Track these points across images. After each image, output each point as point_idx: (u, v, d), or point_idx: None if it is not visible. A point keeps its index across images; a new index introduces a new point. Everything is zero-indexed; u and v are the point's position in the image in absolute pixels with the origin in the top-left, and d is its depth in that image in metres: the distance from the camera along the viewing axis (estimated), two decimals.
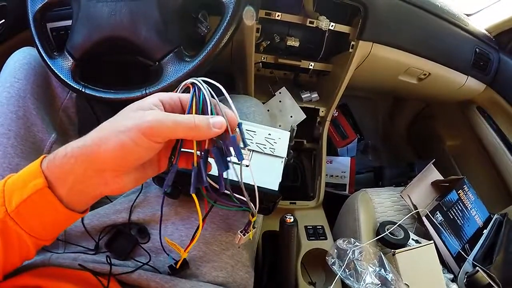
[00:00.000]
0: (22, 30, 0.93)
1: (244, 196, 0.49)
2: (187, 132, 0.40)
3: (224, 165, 0.42)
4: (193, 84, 0.44)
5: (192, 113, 0.42)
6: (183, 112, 0.44)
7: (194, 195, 0.43)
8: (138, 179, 0.44)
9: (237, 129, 0.44)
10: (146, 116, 0.39)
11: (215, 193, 0.46)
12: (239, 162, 0.43)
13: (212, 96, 0.43)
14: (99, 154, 0.39)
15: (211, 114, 0.42)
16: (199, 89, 0.43)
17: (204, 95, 0.42)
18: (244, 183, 0.62)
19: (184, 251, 0.58)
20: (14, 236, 0.42)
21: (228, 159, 0.43)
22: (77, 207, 0.44)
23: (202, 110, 0.43)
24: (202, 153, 0.43)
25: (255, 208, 0.53)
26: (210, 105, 0.42)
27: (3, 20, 0.89)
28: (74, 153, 0.40)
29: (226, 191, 0.47)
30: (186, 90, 0.46)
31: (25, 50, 0.80)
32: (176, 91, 0.46)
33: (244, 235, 0.65)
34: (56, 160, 0.41)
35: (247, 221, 0.64)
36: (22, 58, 0.77)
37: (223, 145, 0.43)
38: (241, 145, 0.43)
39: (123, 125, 0.38)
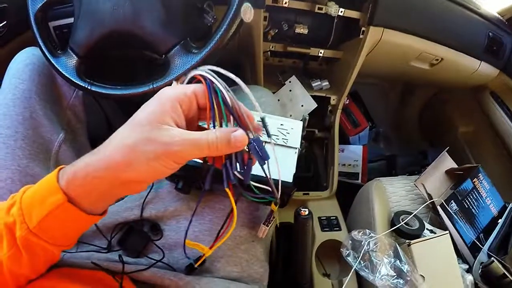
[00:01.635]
0: (25, 31, 0.92)
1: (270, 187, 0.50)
2: (211, 153, 0.40)
3: (261, 160, 0.42)
4: (204, 78, 0.42)
5: (216, 120, 0.41)
6: (199, 109, 0.43)
7: (228, 190, 0.44)
8: (158, 177, 0.43)
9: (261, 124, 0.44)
10: (173, 143, 0.38)
11: (241, 186, 0.46)
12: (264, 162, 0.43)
13: (228, 90, 0.41)
14: (128, 177, 0.39)
15: (232, 116, 0.41)
16: (213, 84, 0.41)
17: (223, 93, 0.41)
18: (258, 175, 0.61)
19: (210, 248, 0.57)
20: (39, 249, 0.43)
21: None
22: (99, 211, 0.45)
23: (225, 112, 0.42)
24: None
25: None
26: (231, 106, 0.41)
27: (5, 22, 0.87)
28: (98, 174, 0.39)
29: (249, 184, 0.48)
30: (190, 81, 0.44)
31: (28, 51, 0.79)
32: (183, 83, 0.44)
33: (267, 226, 0.64)
34: (77, 180, 0.40)
35: (269, 212, 0.63)
36: (25, 59, 0.76)
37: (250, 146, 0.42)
38: (266, 139, 0.44)
39: (153, 152, 0.38)
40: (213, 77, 0.41)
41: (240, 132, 0.40)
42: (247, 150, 0.42)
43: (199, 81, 0.42)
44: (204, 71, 0.42)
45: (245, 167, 0.43)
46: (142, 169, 0.38)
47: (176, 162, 0.39)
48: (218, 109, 0.41)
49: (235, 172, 0.42)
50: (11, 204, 0.43)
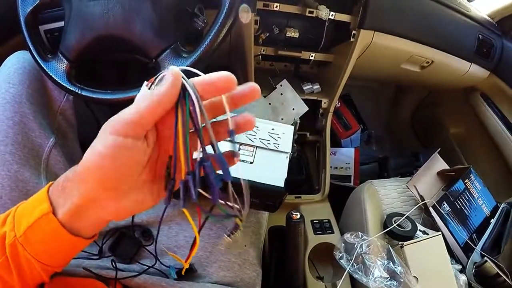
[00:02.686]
0: (15, 34, 0.91)
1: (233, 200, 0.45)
2: (153, 106, 0.35)
3: (215, 183, 0.37)
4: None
5: (178, 123, 0.36)
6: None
7: (185, 210, 0.39)
8: (139, 201, 0.40)
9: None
10: (117, 118, 0.35)
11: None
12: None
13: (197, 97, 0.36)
14: (87, 170, 0.37)
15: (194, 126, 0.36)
16: (186, 92, 0.36)
17: (194, 102, 0.36)
18: (248, 180, 0.61)
19: (185, 262, 0.55)
20: (24, 261, 0.42)
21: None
22: (81, 232, 0.42)
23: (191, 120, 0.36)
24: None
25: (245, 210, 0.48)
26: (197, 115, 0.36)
27: None
28: (69, 176, 0.39)
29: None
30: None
31: (18, 55, 0.78)
32: (154, 83, 0.39)
33: (229, 237, 0.63)
34: (57, 187, 0.40)
35: (234, 226, 0.62)
36: (16, 63, 0.75)
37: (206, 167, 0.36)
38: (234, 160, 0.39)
39: (104, 130, 0.36)
40: (185, 80, 0.36)
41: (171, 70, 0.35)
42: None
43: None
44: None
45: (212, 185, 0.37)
46: (98, 148, 0.36)
47: (128, 135, 0.35)
48: (182, 119, 0.36)
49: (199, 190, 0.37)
50: (7, 214, 0.43)
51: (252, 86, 0.37)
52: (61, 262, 0.46)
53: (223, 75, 0.36)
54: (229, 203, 0.42)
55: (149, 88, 0.38)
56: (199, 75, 0.37)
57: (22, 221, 0.41)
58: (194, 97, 0.35)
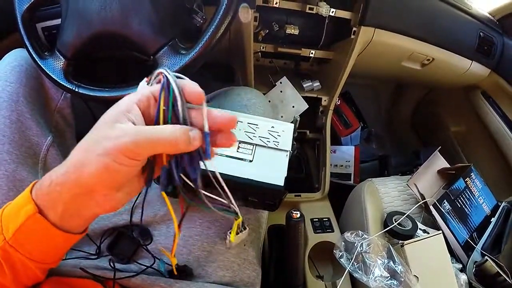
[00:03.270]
0: (12, 32, 0.90)
1: (226, 198, 0.46)
2: (167, 148, 0.37)
3: (194, 171, 0.39)
4: (163, 74, 0.40)
5: (160, 114, 0.39)
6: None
7: (164, 194, 0.41)
8: (130, 192, 0.41)
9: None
10: (125, 136, 0.36)
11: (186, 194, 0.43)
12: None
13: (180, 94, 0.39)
14: (84, 179, 0.37)
15: (183, 116, 0.39)
16: (168, 83, 0.39)
17: (174, 91, 0.38)
18: (247, 179, 0.60)
19: (172, 256, 0.54)
20: (17, 261, 0.42)
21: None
22: (73, 229, 0.42)
23: (172, 112, 0.39)
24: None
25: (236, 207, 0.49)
26: (182, 107, 0.39)
27: None
28: (59, 180, 0.38)
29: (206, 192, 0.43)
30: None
31: (15, 52, 0.77)
32: (150, 80, 0.42)
33: (229, 236, 0.63)
34: (43, 188, 0.40)
35: (231, 224, 0.62)
36: (12, 61, 0.74)
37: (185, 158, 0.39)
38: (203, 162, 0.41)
39: (102, 147, 0.36)
40: (172, 77, 0.39)
41: (196, 131, 0.38)
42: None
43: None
44: (165, 70, 0.40)
45: (195, 169, 0.40)
46: (94, 167, 0.36)
47: (130, 157, 0.36)
48: (165, 105, 0.39)
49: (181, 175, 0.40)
50: None
51: (232, 117, 0.40)
52: (55, 258, 0.46)
53: (196, 91, 0.39)
54: (213, 196, 0.44)
55: (148, 83, 0.41)
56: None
57: (9, 224, 0.41)
58: (176, 90, 0.38)
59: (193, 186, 0.40)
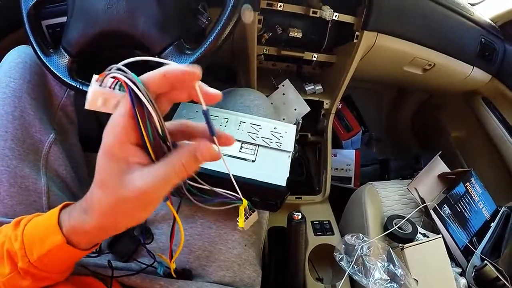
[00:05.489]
0: (17, 28, 0.90)
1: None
2: (181, 179, 0.37)
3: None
4: (126, 83, 0.35)
5: (145, 137, 0.36)
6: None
7: (169, 204, 0.43)
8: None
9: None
10: (145, 187, 0.36)
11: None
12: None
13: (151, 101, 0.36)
14: (119, 230, 0.41)
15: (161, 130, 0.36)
16: (134, 93, 0.35)
17: (146, 106, 0.35)
18: (249, 179, 0.60)
19: (170, 261, 0.55)
20: (40, 276, 0.45)
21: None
22: (91, 247, 0.47)
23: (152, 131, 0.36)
24: None
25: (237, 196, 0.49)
26: (160, 123, 0.36)
27: None
28: (94, 232, 0.41)
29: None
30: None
31: (20, 49, 0.77)
32: (102, 83, 0.37)
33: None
34: (77, 234, 0.43)
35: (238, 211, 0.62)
36: (17, 57, 0.74)
37: None
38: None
39: (130, 208, 0.37)
40: (133, 82, 0.35)
41: (203, 145, 0.36)
42: None
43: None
44: (119, 70, 0.36)
45: None
46: (129, 223, 0.40)
47: (155, 202, 0.38)
48: (143, 124, 0.36)
49: None
50: (15, 235, 0.45)
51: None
52: (73, 266, 0.50)
53: (181, 69, 0.35)
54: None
55: (100, 85, 0.37)
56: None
57: (33, 248, 0.43)
58: (149, 106, 0.35)
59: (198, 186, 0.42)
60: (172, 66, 0.36)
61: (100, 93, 0.37)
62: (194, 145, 0.36)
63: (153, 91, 0.36)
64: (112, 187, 0.37)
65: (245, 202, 0.52)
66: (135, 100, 0.35)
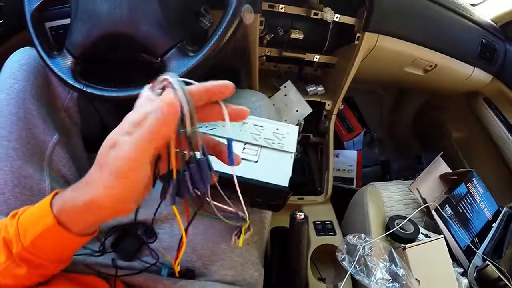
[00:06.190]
0: (21, 30, 0.91)
1: (231, 209, 0.49)
2: (155, 137, 0.37)
3: (203, 184, 0.41)
4: (166, 80, 0.39)
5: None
6: None
7: (174, 208, 0.43)
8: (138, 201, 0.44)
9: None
10: (119, 153, 0.37)
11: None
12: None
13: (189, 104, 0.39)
14: (101, 212, 0.41)
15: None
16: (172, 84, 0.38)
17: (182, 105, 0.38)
18: (252, 179, 0.61)
19: (174, 263, 0.56)
20: (35, 264, 0.46)
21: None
22: (89, 233, 0.47)
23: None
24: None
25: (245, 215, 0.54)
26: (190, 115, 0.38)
27: (1, 21, 0.86)
28: (85, 209, 0.41)
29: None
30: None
31: (23, 51, 0.78)
32: (153, 88, 0.42)
33: (238, 237, 0.64)
34: (66, 210, 0.43)
35: (239, 228, 0.63)
36: (21, 59, 0.75)
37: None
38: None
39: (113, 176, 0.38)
40: (179, 85, 0.38)
41: (166, 94, 0.37)
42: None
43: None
44: (172, 77, 0.39)
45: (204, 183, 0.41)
46: (115, 191, 0.39)
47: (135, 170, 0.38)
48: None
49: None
50: (11, 223, 0.46)
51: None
52: (69, 256, 0.50)
53: (220, 83, 0.40)
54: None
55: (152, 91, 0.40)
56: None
57: (27, 232, 0.44)
58: (186, 107, 0.37)
59: (202, 198, 0.42)
60: (208, 82, 0.40)
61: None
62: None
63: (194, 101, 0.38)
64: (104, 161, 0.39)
65: (248, 223, 0.55)
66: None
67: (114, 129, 0.39)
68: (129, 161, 0.37)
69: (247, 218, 0.56)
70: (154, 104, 0.37)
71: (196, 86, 0.40)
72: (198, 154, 0.40)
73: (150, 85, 0.42)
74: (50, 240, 0.44)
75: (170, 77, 0.38)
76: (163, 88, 0.40)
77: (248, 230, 0.65)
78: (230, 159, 0.40)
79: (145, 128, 0.36)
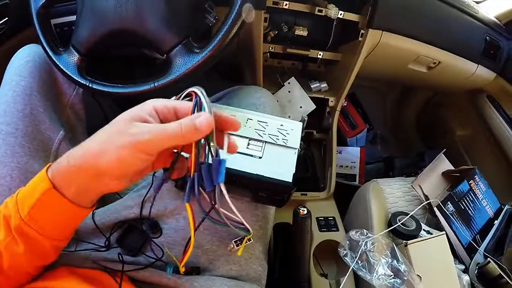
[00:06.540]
0: (26, 27, 0.92)
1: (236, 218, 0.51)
2: (178, 141, 0.41)
3: (210, 184, 0.42)
4: (195, 93, 0.43)
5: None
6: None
7: (187, 205, 0.43)
8: (134, 179, 0.46)
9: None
10: (142, 134, 0.40)
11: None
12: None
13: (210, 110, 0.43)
14: (100, 165, 0.41)
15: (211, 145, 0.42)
16: (200, 100, 0.43)
17: (205, 108, 0.42)
18: (256, 174, 0.62)
19: (180, 264, 0.57)
20: (33, 240, 0.46)
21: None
22: (83, 203, 0.47)
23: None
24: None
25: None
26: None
27: (6, 18, 0.87)
28: (76, 162, 0.43)
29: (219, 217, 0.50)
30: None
31: (29, 47, 0.78)
32: (179, 98, 0.47)
33: (238, 246, 0.65)
34: (60, 168, 0.44)
35: (242, 237, 0.64)
36: (26, 56, 0.76)
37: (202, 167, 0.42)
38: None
39: (121, 141, 0.40)
40: (203, 95, 0.43)
41: (204, 116, 0.41)
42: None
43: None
44: (198, 88, 0.44)
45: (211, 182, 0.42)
46: (112, 158, 0.40)
47: (144, 152, 0.41)
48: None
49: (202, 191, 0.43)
50: (11, 199, 0.47)
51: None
52: (66, 233, 0.51)
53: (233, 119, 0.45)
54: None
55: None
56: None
57: (25, 202, 0.45)
58: (206, 104, 0.42)
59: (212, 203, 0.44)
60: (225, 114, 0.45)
61: None
62: (195, 115, 0.41)
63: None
64: (119, 123, 0.42)
65: (251, 234, 0.58)
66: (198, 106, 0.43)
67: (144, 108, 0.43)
68: (146, 142, 0.40)
69: (250, 229, 0.59)
70: (191, 117, 0.41)
71: (220, 113, 0.44)
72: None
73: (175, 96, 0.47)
74: (46, 207, 0.45)
75: (203, 98, 0.43)
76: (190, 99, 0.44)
77: (248, 241, 0.66)
78: (221, 178, 0.42)
79: (173, 127, 0.41)
